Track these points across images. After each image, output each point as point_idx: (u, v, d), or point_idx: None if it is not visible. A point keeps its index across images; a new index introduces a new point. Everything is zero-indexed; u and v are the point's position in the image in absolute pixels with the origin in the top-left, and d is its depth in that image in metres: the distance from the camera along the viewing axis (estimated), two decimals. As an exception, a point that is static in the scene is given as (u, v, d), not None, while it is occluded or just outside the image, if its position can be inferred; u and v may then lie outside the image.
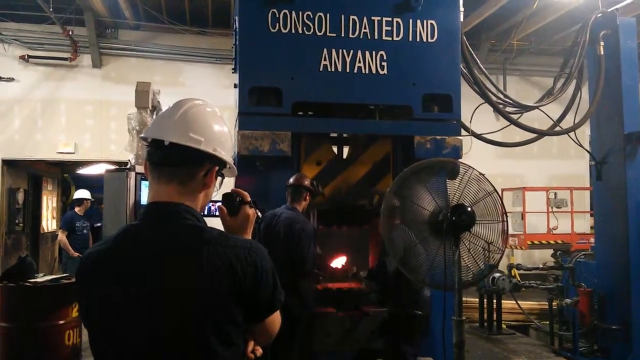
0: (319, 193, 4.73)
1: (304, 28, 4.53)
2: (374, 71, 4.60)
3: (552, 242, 11.32)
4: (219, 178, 1.63)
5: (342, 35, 4.58)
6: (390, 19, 4.66)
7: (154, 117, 5.88)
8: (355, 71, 4.58)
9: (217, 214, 1.77)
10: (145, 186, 5.19)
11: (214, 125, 1.59)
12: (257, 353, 1.60)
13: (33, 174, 12.58)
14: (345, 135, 5.20)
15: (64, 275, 6.24)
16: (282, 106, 4.47)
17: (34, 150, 11.05)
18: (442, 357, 3.42)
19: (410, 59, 4.69)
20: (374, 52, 4.61)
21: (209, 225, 1.52)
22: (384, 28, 4.65)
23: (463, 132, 4.96)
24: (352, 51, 4.58)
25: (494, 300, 7.61)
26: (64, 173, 14.47)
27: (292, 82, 4.49)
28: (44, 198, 13.10)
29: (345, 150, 5.31)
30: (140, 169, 5.18)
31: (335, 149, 5.20)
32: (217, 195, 1.68)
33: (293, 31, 4.51)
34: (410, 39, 4.69)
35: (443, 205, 3.28)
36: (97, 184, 7.51)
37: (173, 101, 1.66)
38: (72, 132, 11.18)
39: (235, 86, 4.84)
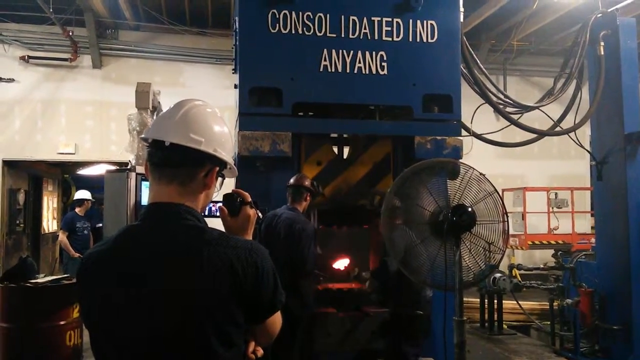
0: (319, 193, 4.73)
1: (304, 28, 4.53)
2: (374, 71, 4.61)
3: (552, 242, 11.31)
4: (220, 179, 1.63)
5: (342, 35, 4.58)
6: (390, 19, 4.66)
7: (155, 117, 5.88)
8: (355, 71, 4.58)
9: (218, 214, 1.77)
10: (145, 187, 5.20)
11: (215, 125, 1.60)
12: (258, 354, 1.60)
13: (33, 175, 12.59)
14: (345, 135, 5.20)
15: (65, 275, 6.24)
16: (283, 107, 4.47)
17: (34, 151, 11.05)
18: (443, 357, 3.42)
19: (410, 59, 4.69)
20: (374, 53, 4.61)
21: (209, 225, 1.52)
22: (384, 28, 4.65)
23: (463, 132, 4.96)
24: (352, 51, 4.58)
25: (495, 301, 7.60)
26: (65, 174, 14.48)
27: (292, 83, 4.49)
28: (45, 199, 13.12)
29: (346, 150, 5.31)
30: (140, 169, 5.18)
31: (335, 149, 5.20)
32: (217, 195, 1.68)
33: (293, 32, 4.51)
34: (411, 40, 4.69)
35: (444, 206, 3.28)
36: (98, 185, 7.52)
37: (173, 102, 1.66)
38: (72, 133, 11.19)
39: (235, 87, 4.84)
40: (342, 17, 4.58)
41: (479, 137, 5.55)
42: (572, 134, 5.78)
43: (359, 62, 4.59)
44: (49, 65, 11.13)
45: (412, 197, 3.35)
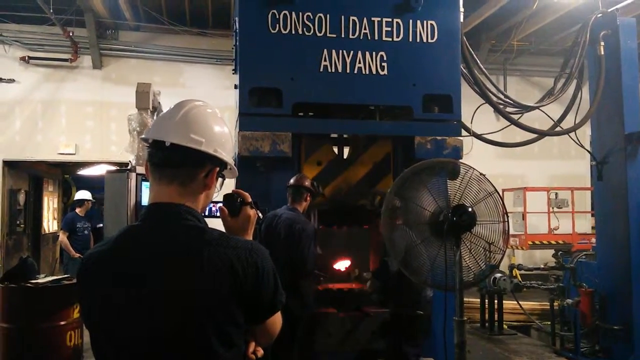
0: (319, 193, 4.73)
1: (304, 29, 4.53)
2: (374, 72, 4.61)
3: (553, 242, 11.31)
4: (220, 179, 1.63)
5: (342, 35, 4.58)
6: (390, 19, 4.66)
7: (155, 118, 5.88)
8: (355, 72, 4.58)
9: (218, 214, 1.77)
10: (146, 187, 5.20)
11: (215, 126, 1.60)
12: (258, 354, 1.60)
13: (34, 175, 12.60)
14: (345, 135, 5.20)
15: (65, 276, 6.24)
16: (283, 107, 4.47)
17: (34, 151, 11.06)
18: (443, 357, 3.42)
19: (410, 59, 4.69)
20: (374, 53, 4.61)
21: (210, 226, 1.52)
22: (384, 29, 4.65)
23: (463, 132, 4.96)
24: (352, 52, 4.58)
25: (495, 301, 7.60)
26: (65, 174, 14.49)
27: (292, 83, 4.49)
28: (45, 199, 13.12)
29: (346, 150, 5.31)
30: (141, 169, 5.18)
31: (335, 149, 5.20)
32: (218, 196, 1.68)
33: (293, 32, 4.51)
34: (411, 40, 4.69)
35: (444, 206, 3.28)
36: (98, 185, 7.52)
37: (173, 102, 1.66)
38: (72, 133, 11.20)
39: (235, 87, 4.84)
40: (342, 17, 4.58)
41: (479, 137, 5.55)
42: (572, 134, 5.77)
43: (359, 63, 4.59)
44: (49, 66, 11.14)
45: (412, 197, 3.35)
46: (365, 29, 4.61)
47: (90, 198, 8.92)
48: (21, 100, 11.05)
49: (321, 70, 4.53)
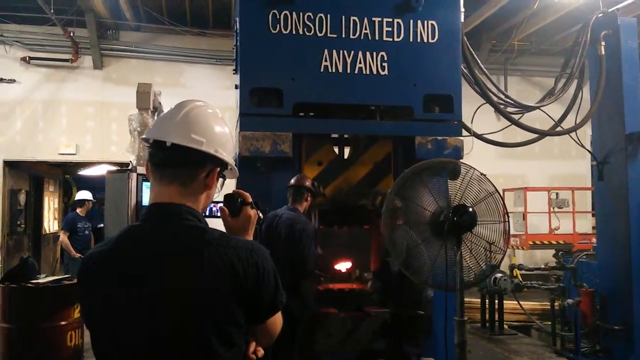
0: (320, 194, 4.73)
1: (305, 29, 4.53)
2: (374, 72, 4.60)
3: (553, 242, 11.31)
4: (221, 179, 1.63)
5: (343, 36, 4.58)
6: (390, 19, 4.66)
7: (155, 118, 5.89)
8: (356, 72, 4.58)
9: (219, 214, 1.77)
10: (146, 187, 5.20)
11: (216, 126, 1.60)
12: (259, 354, 1.61)
13: (35, 175, 12.60)
14: (346, 135, 5.20)
15: (66, 276, 6.26)
16: (283, 107, 4.47)
17: (35, 152, 11.07)
18: (444, 357, 3.42)
19: (411, 59, 4.69)
20: (374, 53, 4.61)
21: (210, 226, 1.53)
22: (385, 29, 4.64)
23: (464, 132, 4.96)
24: (352, 52, 4.57)
25: (496, 301, 7.60)
26: (66, 174, 14.49)
27: (292, 83, 4.49)
28: (46, 199, 13.13)
29: (347, 150, 5.31)
30: (141, 170, 5.19)
31: (336, 149, 5.20)
32: (218, 196, 1.68)
33: (294, 32, 4.51)
34: (411, 40, 4.69)
35: (444, 206, 3.28)
36: (99, 185, 7.53)
37: (174, 102, 1.66)
38: (73, 134, 11.20)
39: (236, 87, 4.84)
40: (343, 17, 4.58)
41: (479, 137, 5.55)
42: (573, 134, 5.77)
43: (360, 63, 4.59)
44: (50, 66, 11.15)
45: (413, 197, 3.34)
46: (365, 29, 4.61)
47: (91, 198, 8.93)
48: (22, 100, 11.06)
49: (322, 70, 4.53)
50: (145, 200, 5.10)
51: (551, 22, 10.83)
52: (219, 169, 1.59)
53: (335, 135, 5.15)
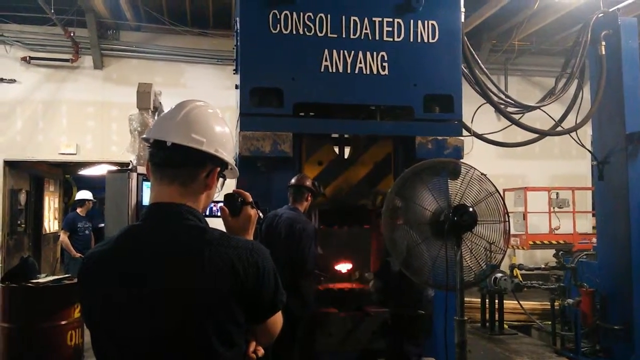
0: (320, 193, 4.73)
1: (305, 29, 4.53)
2: (375, 72, 4.60)
3: (554, 242, 11.32)
4: (221, 179, 1.63)
5: (343, 36, 4.58)
6: (391, 19, 4.66)
7: (156, 118, 5.89)
8: (356, 72, 4.57)
9: (219, 214, 1.77)
10: (147, 187, 5.21)
11: (216, 126, 1.60)
12: (259, 353, 1.61)
13: (35, 175, 12.60)
14: (346, 135, 5.20)
15: (66, 275, 6.27)
16: (283, 107, 4.47)
17: (35, 152, 11.07)
18: (444, 357, 3.42)
19: (411, 59, 4.68)
20: (375, 53, 4.61)
21: (210, 225, 1.53)
22: (385, 29, 4.64)
23: (464, 132, 4.96)
24: (353, 52, 4.57)
25: (496, 301, 7.60)
26: (66, 174, 14.50)
27: (293, 83, 4.48)
28: (46, 199, 13.13)
29: (347, 150, 5.31)
30: (142, 169, 5.19)
31: (336, 149, 5.20)
32: (219, 196, 1.68)
33: (294, 32, 4.51)
34: (412, 40, 4.68)
35: (445, 206, 3.28)
36: (99, 185, 7.54)
37: (174, 102, 1.67)
38: (73, 134, 11.21)
39: (236, 87, 4.84)
40: (343, 17, 4.58)
41: (480, 137, 5.55)
42: (573, 134, 5.77)
43: (360, 63, 4.58)
44: (51, 66, 11.15)
45: (413, 197, 3.35)
46: (366, 29, 4.61)
47: (91, 198, 8.94)
48: (22, 100, 11.06)
49: (322, 70, 4.53)
50: (146, 200, 5.10)
51: (551, 22, 10.83)
52: (219, 168, 1.59)
53: (336, 135, 5.15)
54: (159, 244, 1.46)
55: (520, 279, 7.54)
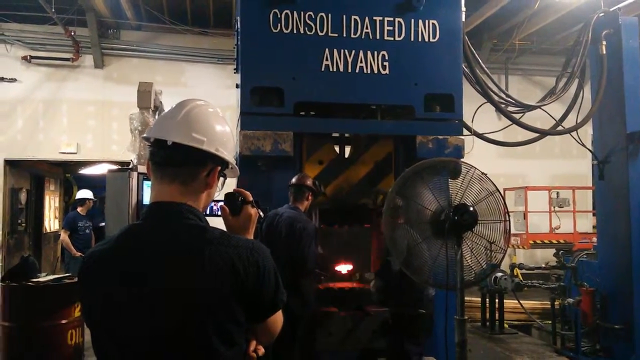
0: (321, 192, 4.73)
1: (306, 28, 4.53)
2: (375, 71, 4.60)
3: (554, 241, 11.32)
4: (221, 178, 1.63)
5: (344, 35, 4.58)
6: (392, 19, 4.66)
7: (156, 117, 5.89)
8: (357, 71, 4.57)
9: (219, 213, 1.77)
10: (147, 186, 5.21)
11: (216, 125, 1.60)
12: (259, 352, 1.61)
13: (35, 174, 12.61)
14: (347, 135, 5.20)
15: (67, 274, 6.26)
16: (284, 106, 4.47)
17: (36, 151, 11.07)
18: (444, 356, 3.42)
19: (412, 58, 4.69)
20: (375, 52, 4.61)
21: (211, 225, 1.53)
22: (386, 28, 4.64)
23: (465, 131, 4.96)
24: (353, 51, 4.57)
25: (496, 300, 7.60)
26: (66, 173, 14.49)
27: (293, 82, 4.49)
28: (47, 198, 13.13)
29: (347, 150, 5.31)
30: (142, 168, 5.19)
31: (337, 148, 5.20)
32: (219, 195, 1.68)
33: (295, 31, 4.51)
34: (412, 39, 4.68)
35: (445, 205, 3.28)
36: (100, 184, 7.54)
37: (175, 101, 1.66)
38: (74, 133, 11.21)
39: (237, 86, 4.84)
40: (344, 16, 4.58)
41: (480, 136, 5.55)
42: (574, 133, 5.76)
43: (361, 62, 4.58)
44: (51, 65, 11.14)
45: (413, 196, 3.35)
46: (366, 28, 4.61)
47: (92, 197, 8.95)
48: (23, 99, 11.06)
49: (323, 69, 4.53)
50: (146, 199, 5.11)
51: (552, 21, 10.82)
52: (219, 167, 1.59)
53: (336, 135, 5.15)
54: (160, 243, 1.46)
55: (521, 279, 7.55)
